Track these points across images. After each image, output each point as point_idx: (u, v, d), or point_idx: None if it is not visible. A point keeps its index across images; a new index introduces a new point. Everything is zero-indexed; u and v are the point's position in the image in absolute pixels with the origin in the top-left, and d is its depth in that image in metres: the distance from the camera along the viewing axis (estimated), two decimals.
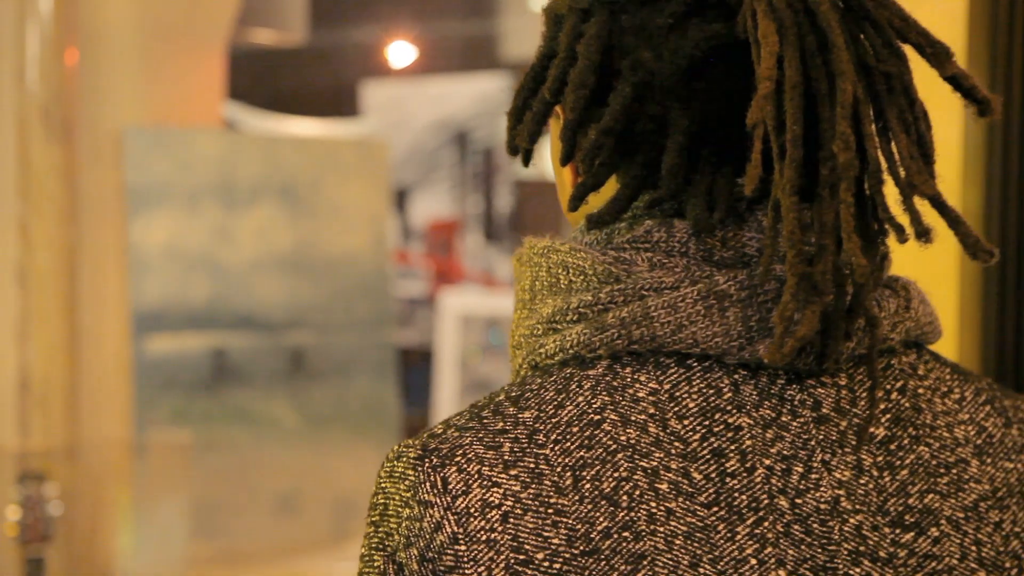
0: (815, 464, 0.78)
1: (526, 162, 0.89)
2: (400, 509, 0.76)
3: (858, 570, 0.77)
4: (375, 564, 0.76)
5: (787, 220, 0.74)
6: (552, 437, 0.75)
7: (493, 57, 6.61)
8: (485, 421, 0.77)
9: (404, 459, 0.77)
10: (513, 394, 0.79)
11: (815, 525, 0.77)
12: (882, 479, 0.79)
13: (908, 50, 0.81)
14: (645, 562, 0.73)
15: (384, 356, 3.45)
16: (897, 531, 0.79)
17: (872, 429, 0.80)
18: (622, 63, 0.81)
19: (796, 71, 0.75)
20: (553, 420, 0.76)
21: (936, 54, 0.79)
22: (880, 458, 0.80)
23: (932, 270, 1.64)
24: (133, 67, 2.91)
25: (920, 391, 0.83)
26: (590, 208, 0.86)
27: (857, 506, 0.78)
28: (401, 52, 6.14)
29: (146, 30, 2.92)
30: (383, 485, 0.77)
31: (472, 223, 6.96)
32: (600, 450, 0.75)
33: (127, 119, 2.90)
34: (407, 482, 0.76)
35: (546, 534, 0.73)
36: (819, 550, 0.77)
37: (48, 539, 2.49)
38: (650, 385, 0.77)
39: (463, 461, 0.75)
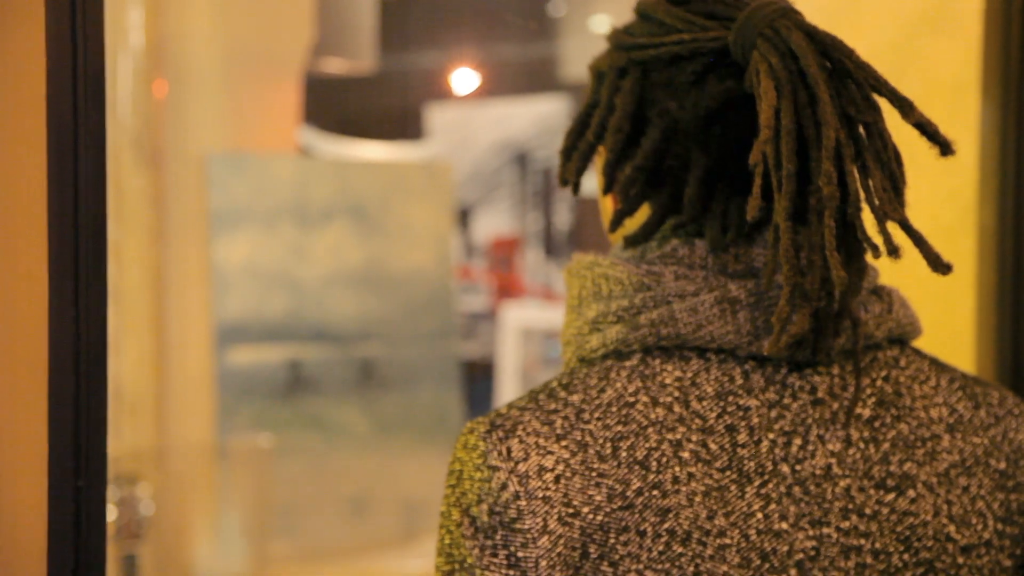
0: (811, 438, 0.90)
1: (575, 191, 1.02)
2: (473, 473, 0.89)
3: (847, 523, 0.89)
4: (453, 518, 0.89)
5: (783, 240, 0.87)
6: (595, 415, 0.89)
7: (553, 79, 6.72)
8: (541, 402, 0.90)
9: (476, 433, 0.90)
10: (564, 381, 0.92)
11: (812, 487, 0.89)
12: (868, 450, 0.92)
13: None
14: (671, 514, 0.86)
15: (448, 367, 3.56)
16: (880, 492, 0.91)
17: (859, 409, 0.92)
18: (652, 112, 0.95)
19: (790, 120, 0.88)
20: (596, 401, 0.89)
21: (902, 105, 0.92)
22: (866, 433, 0.92)
23: (951, 284, 1.73)
24: (216, 98, 3.06)
25: (901, 379, 0.95)
26: (626, 230, 1.00)
27: (846, 472, 0.91)
28: (464, 77, 6.29)
29: (228, 63, 3.08)
30: (459, 455, 0.90)
31: (532, 240, 7.08)
32: (634, 425, 0.88)
33: (210, 146, 3.05)
34: (478, 451, 0.89)
35: (590, 492, 0.86)
36: (815, 507, 0.89)
37: (140, 537, 2.63)
38: (675, 373, 0.90)
39: (523, 434, 0.88)
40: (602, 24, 6.43)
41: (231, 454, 3.06)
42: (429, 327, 3.52)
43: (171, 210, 2.94)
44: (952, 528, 0.93)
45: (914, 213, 1.66)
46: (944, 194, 1.73)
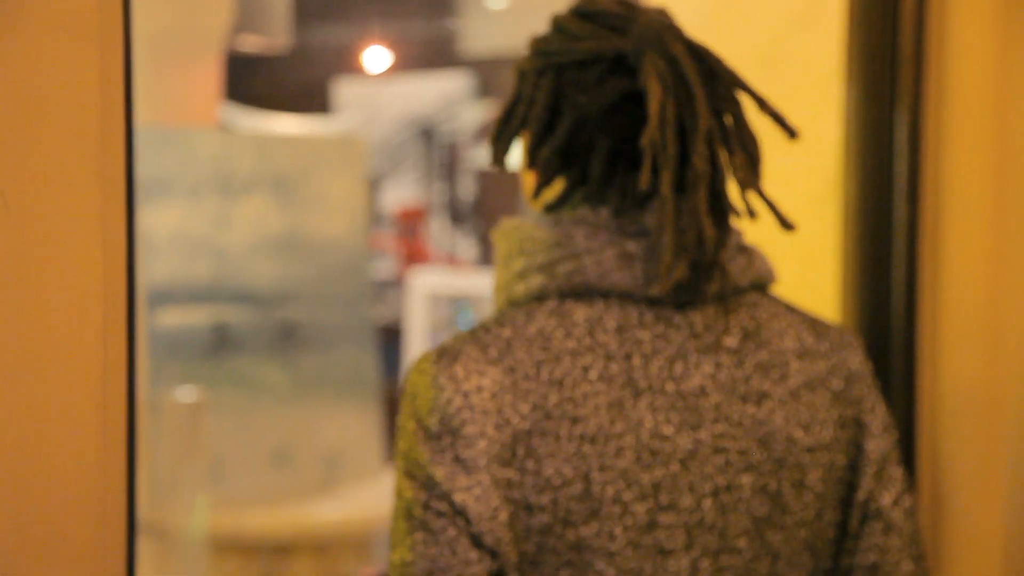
0: (690, 363, 1.09)
1: (502, 169, 1.20)
2: (425, 391, 1.05)
3: (718, 429, 1.09)
4: (409, 427, 1.06)
5: (668, 205, 1.05)
6: (522, 345, 1.06)
7: (455, 56, 6.85)
8: (478, 336, 1.08)
9: (428, 360, 1.07)
10: (497, 319, 1.10)
11: (690, 400, 1.08)
12: (734, 372, 1.11)
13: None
14: (581, 422, 1.04)
15: (363, 328, 3.70)
16: (744, 405, 1.10)
17: (727, 341, 1.11)
18: (565, 105, 1.13)
19: (672, 112, 1.06)
20: (522, 334, 1.07)
21: (758, 100, 1.12)
22: (733, 359, 1.11)
23: (819, 245, 1.93)
24: (142, 75, 3.15)
25: (761, 317, 1.15)
26: (545, 198, 1.18)
27: (717, 389, 1.10)
28: (371, 54, 6.39)
29: (154, 43, 3.17)
30: (413, 378, 1.07)
31: (438, 209, 7.21)
32: (552, 353, 1.06)
33: (137, 121, 3.14)
34: (430, 374, 1.06)
35: (518, 405, 1.04)
36: (693, 416, 1.08)
37: None
38: (585, 313, 1.08)
39: (466, 360, 1.06)
40: (498, 1, 6.54)
41: (162, 408, 3.17)
42: (345, 291, 3.65)
43: None
44: (799, 433, 1.12)
45: (788, 185, 1.89)
46: (813, 169, 1.93)
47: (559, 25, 1.16)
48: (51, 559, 1.04)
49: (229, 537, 3.30)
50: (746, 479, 1.10)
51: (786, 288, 1.71)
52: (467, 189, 7.18)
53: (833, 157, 1.90)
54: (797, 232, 1.92)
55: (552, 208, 1.16)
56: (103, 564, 1.06)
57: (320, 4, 6.53)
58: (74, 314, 1.00)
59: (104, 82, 0.97)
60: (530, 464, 1.03)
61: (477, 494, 1.02)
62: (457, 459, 1.03)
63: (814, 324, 1.20)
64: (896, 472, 1.20)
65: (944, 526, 1.86)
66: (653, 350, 1.08)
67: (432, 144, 7.21)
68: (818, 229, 1.95)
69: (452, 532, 1.03)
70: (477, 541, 1.03)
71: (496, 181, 6.89)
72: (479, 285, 5.31)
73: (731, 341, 1.12)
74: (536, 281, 1.10)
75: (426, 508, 1.03)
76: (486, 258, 6.62)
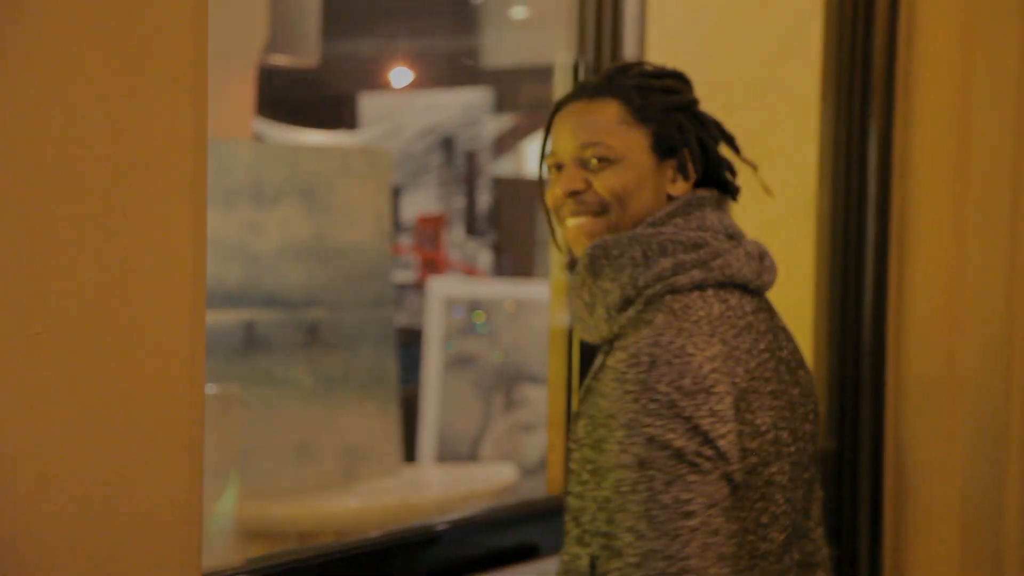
0: (780, 338, 1.39)
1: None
2: (672, 359, 1.29)
3: (797, 389, 1.39)
4: (660, 388, 1.29)
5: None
6: (719, 324, 1.33)
7: (475, 70, 6.99)
8: (683, 320, 1.32)
9: (666, 336, 1.31)
10: (678, 308, 1.34)
11: (783, 365, 1.38)
12: (792, 345, 1.42)
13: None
14: (769, 380, 1.33)
15: (384, 330, 3.85)
16: (801, 370, 1.42)
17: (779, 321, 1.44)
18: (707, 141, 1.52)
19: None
20: (712, 316, 1.34)
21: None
22: (786, 335, 1.43)
23: (799, 251, 2.11)
24: None
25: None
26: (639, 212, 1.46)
27: (791, 357, 1.41)
28: (396, 71, 6.58)
29: None
30: (650, 351, 1.30)
31: (456, 218, 7.38)
32: (737, 329, 1.33)
33: None
34: (676, 344, 1.30)
35: (736, 369, 1.30)
36: (786, 376, 1.37)
37: None
38: (734, 298, 1.36)
39: (697, 336, 1.31)
40: (519, 11, 6.66)
41: None
42: (368, 295, 3.78)
43: None
44: (809, 379, 1.46)
45: (774, 200, 2.11)
46: (794, 185, 2.10)
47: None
48: (136, 548, 1.20)
49: (254, 525, 3.43)
50: (808, 426, 1.40)
51: (772, 291, 1.90)
52: (484, 199, 7.34)
53: (812, 174, 2.07)
54: (780, 240, 2.16)
55: (664, 220, 1.41)
56: (183, 555, 1.24)
57: (347, 23, 6.71)
58: (167, 311, 1.19)
59: (195, 118, 1.18)
60: (748, 416, 1.30)
61: (731, 440, 1.27)
62: (712, 412, 1.27)
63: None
64: None
65: (907, 509, 2.02)
66: (767, 328, 1.38)
67: (452, 155, 7.38)
68: (798, 238, 2.11)
69: (718, 473, 1.27)
70: (729, 478, 1.27)
71: (513, 190, 7.03)
72: (494, 291, 5.46)
73: (780, 322, 1.44)
74: (697, 274, 1.34)
75: (697, 454, 1.25)
76: (499, 266, 6.77)
